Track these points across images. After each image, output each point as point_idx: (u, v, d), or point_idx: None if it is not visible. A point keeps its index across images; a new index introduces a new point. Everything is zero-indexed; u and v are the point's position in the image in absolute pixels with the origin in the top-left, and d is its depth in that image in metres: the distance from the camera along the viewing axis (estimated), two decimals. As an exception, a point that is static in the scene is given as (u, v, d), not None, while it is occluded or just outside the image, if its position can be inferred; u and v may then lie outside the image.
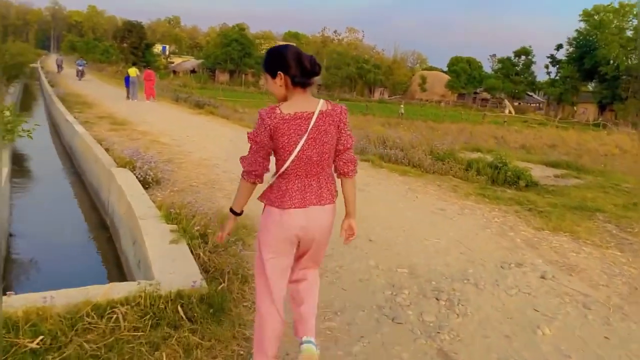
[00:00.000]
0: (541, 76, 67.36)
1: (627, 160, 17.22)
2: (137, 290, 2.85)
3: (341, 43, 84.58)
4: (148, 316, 2.73)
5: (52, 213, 6.84)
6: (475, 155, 11.79)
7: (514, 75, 63.42)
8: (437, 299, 3.62)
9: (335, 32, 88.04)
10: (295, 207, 2.21)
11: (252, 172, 2.26)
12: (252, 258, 3.96)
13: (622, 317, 3.55)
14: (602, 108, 55.72)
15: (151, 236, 3.62)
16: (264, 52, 2.56)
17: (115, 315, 2.66)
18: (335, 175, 2.42)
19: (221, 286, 3.20)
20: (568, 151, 19.04)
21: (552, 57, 61.79)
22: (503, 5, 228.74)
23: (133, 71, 20.88)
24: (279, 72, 2.17)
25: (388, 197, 6.82)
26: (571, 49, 58.74)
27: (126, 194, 4.72)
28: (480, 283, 3.95)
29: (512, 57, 64.82)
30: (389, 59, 75.39)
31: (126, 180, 5.31)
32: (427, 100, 63.23)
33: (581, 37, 57.17)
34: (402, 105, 37.79)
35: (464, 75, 66.32)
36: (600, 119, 48.81)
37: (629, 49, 52.60)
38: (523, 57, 64.34)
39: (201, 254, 3.43)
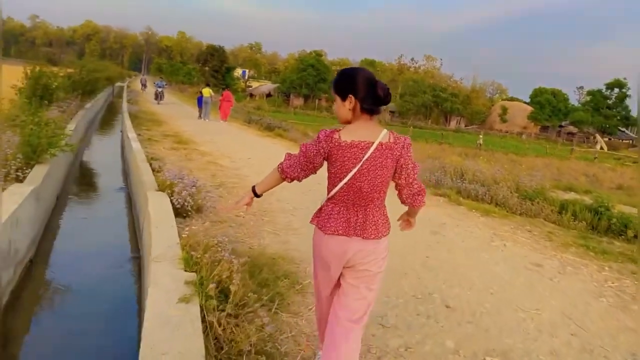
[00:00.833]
0: (635, 111, 62.14)
1: None
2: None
3: (417, 71, 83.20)
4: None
5: (93, 234, 6.31)
6: (569, 196, 10.31)
7: (605, 108, 58.86)
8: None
9: (412, 59, 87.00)
10: (338, 234, 2.16)
11: (287, 172, 2.27)
12: (289, 326, 3.02)
13: None
14: None
15: (159, 287, 2.77)
16: None
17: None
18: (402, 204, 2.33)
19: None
20: (676, 195, 16.56)
21: (650, 90, 56.80)
22: (589, 35, 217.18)
23: (207, 91, 20.96)
24: (349, 95, 2.11)
25: (469, 243, 5.65)
26: (673, 82, 53.63)
27: (152, 223, 3.97)
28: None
29: (604, 90, 60.29)
30: (467, 88, 72.91)
31: (160, 207, 4.58)
32: (507, 132, 60.09)
33: (685, 69, 52.04)
34: (480, 136, 35.66)
35: (548, 107, 62.48)
36: None
37: None
38: (616, 90, 59.64)
39: (215, 321, 2.52)
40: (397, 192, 2.26)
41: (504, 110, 66.46)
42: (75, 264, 5.23)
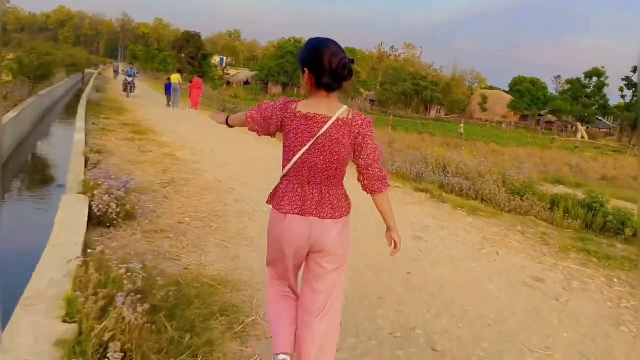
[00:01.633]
0: (614, 100, 62.38)
1: None
2: None
3: (398, 59, 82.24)
4: None
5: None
6: (558, 189, 9.62)
7: (583, 97, 58.90)
8: None
9: (392, 47, 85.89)
10: (294, 213, 2.04)
11: (249, 121, 2.19)
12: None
13: None
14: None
15: (25, 339, 1.85)
16: None
17: None
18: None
19: None
20: (662, 186, 16.11)
21: (627, 79, 56.85)
22: (567, 26, 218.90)
23: (175, 77, 19.65)
24: (304, 69, 2.00)
25: (456, 251, 4.82)
26: (650, 71, 53.85)
27: (50, 241, 3.02)
28: None
29: (582, 79, 60.30)
30: (447, 77, 72.23)
31: (71, 216, 3.63)
32: (487, 121, 59.73)
33: (662, 58, 52.31)
34: (461, 125, 35.02)
35: (528, 96, 62.31)
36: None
37: None
38: (595, 79, 59.70)
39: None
40: (358, 176, 2.10)
41: (484, 99, 66.15)
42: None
